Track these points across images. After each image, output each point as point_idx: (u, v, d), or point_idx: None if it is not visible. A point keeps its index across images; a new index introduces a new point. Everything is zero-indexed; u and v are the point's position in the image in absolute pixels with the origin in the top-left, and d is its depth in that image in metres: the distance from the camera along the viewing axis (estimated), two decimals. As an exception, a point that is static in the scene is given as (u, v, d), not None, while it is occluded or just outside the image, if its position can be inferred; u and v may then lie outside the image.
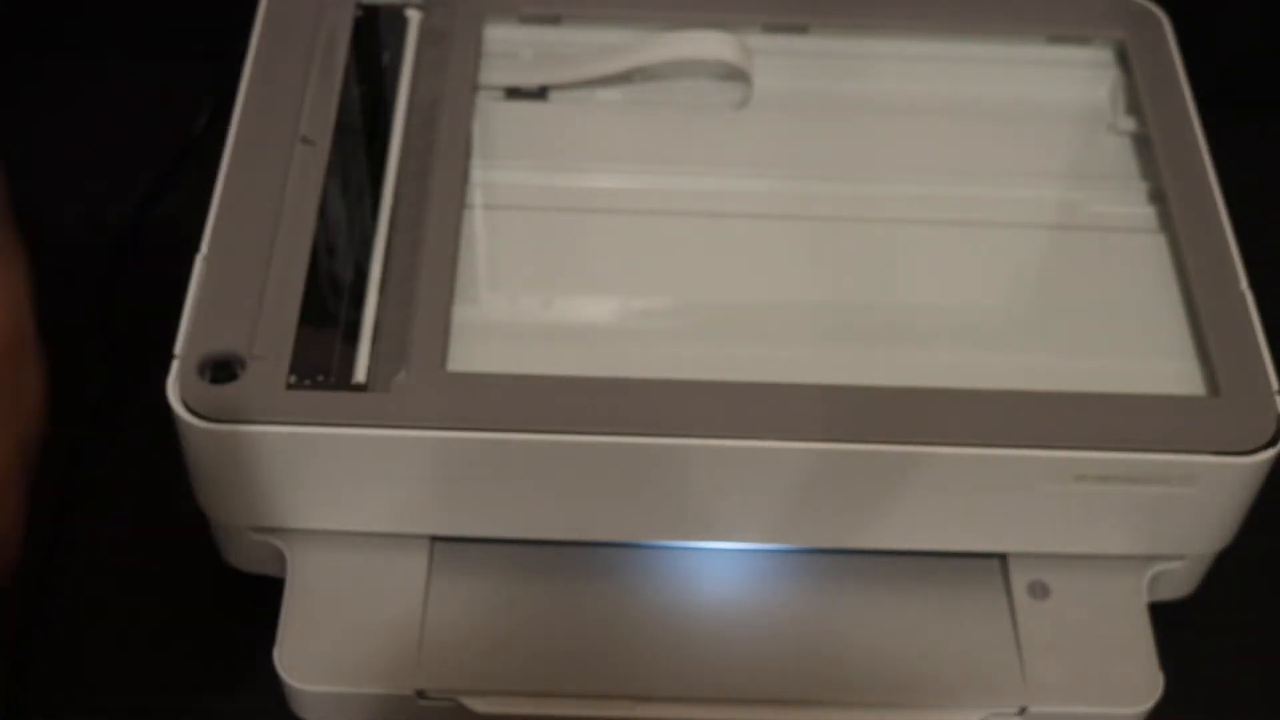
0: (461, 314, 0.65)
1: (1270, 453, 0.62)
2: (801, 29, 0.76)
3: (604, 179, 0.71)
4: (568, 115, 0.74)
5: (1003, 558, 0.67)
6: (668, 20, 0.75)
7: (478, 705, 0.63)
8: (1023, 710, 0.64)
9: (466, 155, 0.70)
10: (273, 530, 0.66)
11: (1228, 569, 0.69)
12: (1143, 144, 0.73)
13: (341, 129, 0.70)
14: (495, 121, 0.73)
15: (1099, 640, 0.65)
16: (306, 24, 0.73)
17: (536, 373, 0.62)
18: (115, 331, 0.78)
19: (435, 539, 0.66)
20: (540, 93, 0.75)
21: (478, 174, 0.71)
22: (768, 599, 0.66)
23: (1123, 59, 0.76)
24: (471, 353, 0.64)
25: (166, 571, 0.70)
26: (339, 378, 0.63)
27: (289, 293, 0.64)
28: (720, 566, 0.67)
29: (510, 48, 0.76)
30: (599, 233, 0.68)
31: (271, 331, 0.63)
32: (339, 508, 0.64)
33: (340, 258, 0.67)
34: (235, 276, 0.64)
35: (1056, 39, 0.77)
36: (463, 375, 0.62)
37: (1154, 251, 0.69)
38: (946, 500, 0.63)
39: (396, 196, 0.68)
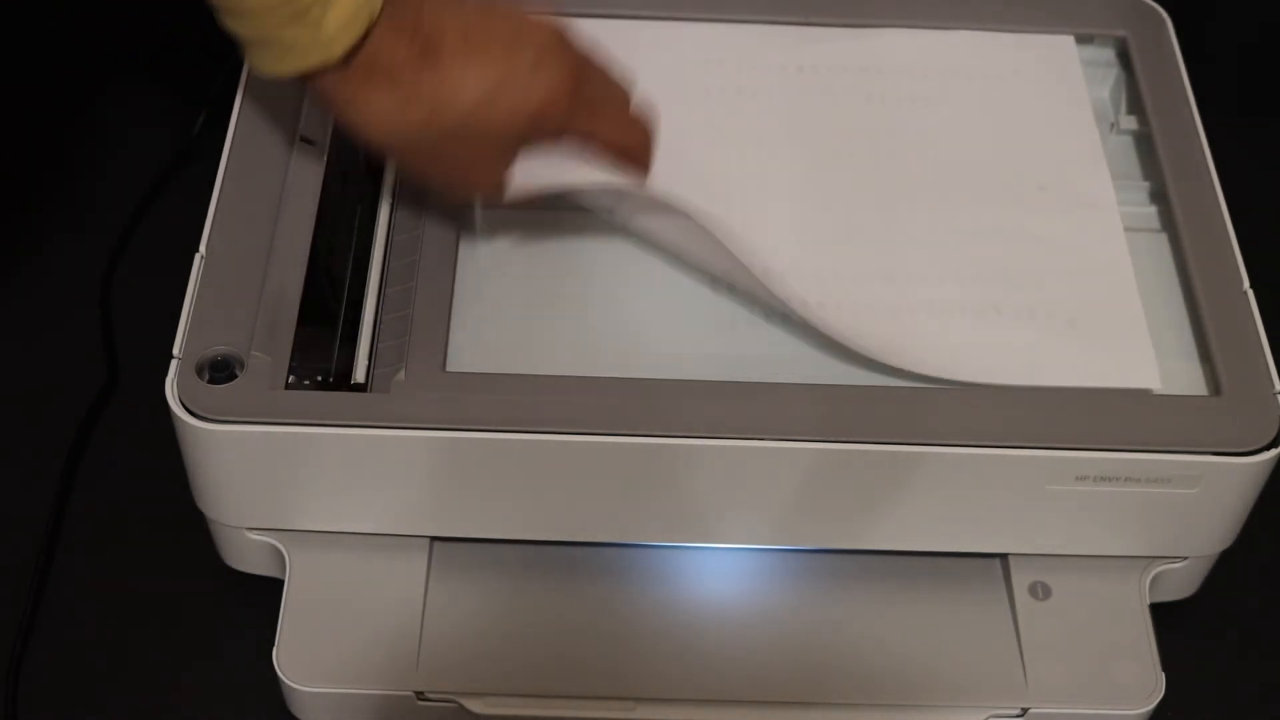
0: (460, 313, 0.64)
1: (1272, 453, 0.62)
2: (799, 23, 0.76)
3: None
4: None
5: (1004, 558, 0.67)
6: (662, 18, 0.75)
7: (477, 706, 0.63)
8: (1024, 711, 0.64)
9: (466, 155, 0.70)
10: (272, 530, 0.66)
11: (1229, 569, 0.68)
12: (1144, 143, 0.73)
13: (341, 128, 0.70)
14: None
15: (1100, 641, 0.65)
16: (306, 23, 0.73)
17: (535, 372, 0.62)
18: (115, 331, 0.78)
19: (434, 540, 0.66)
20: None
21: (477, 173, 0.71)
22: (768, 599, 0.66)
23: (1124, 57, 0.76)
24: (470, 352, 0.64)
25: (166, 571, 0.70)
26: (337, 377, 0.63)
27: (288, 293, 0.64)
28: (720, 566, 0.67)
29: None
30: (598, 232, 0.68)
31: (270, 331, 0.63)
32: (338, 508, 0.64)
33: (339, 257, 0.67)
34: (234, 276, 0.64)
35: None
36: (461, 375, 0.62)
37: (1156, 251, 0.69)
38: (947, 500, 0.63)
39: (395, 196, 0.68)
